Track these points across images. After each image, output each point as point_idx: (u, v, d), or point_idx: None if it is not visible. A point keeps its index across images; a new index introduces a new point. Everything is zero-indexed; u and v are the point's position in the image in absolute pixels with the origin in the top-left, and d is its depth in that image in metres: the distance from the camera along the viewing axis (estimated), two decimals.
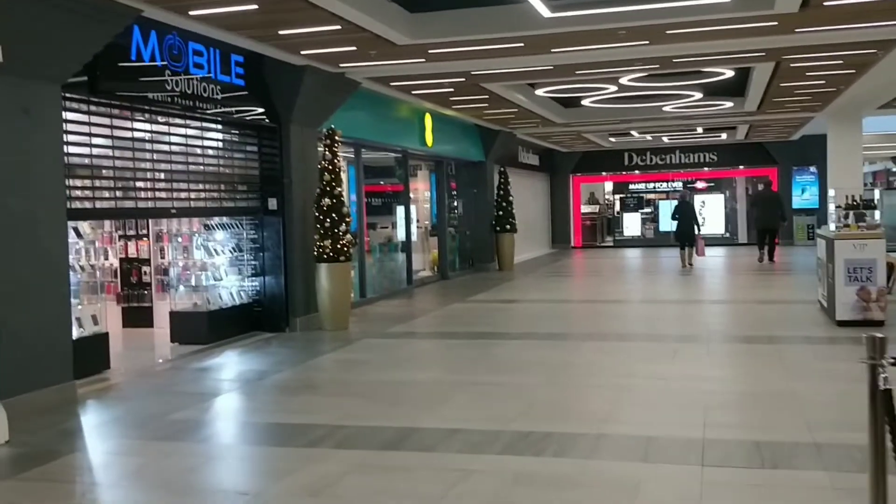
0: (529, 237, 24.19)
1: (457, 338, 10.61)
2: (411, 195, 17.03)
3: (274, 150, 11.24)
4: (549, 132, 21.47)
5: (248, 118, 10.83)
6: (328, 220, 11.12)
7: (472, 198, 20.47)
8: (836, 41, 10.28)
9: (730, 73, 13.31)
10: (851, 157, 18.65)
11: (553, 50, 10.28)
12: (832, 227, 12.30)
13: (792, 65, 11.99)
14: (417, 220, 17.84)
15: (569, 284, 18.37)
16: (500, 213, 20.47)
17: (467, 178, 20.39)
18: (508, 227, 20.48)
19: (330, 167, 11.23)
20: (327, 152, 11.26)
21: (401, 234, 16.61)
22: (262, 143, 11.28)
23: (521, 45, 9.86)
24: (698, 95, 15.71)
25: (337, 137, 11.37)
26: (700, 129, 22.92)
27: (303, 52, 10.17)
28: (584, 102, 16.54)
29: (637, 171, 29.54)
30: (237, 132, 10.99)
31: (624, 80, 13.65)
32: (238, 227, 11.29)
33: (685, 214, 19.93)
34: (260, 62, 10.63)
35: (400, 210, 16.63)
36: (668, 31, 9.41)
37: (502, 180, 20.60)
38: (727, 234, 29.09)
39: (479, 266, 20.46)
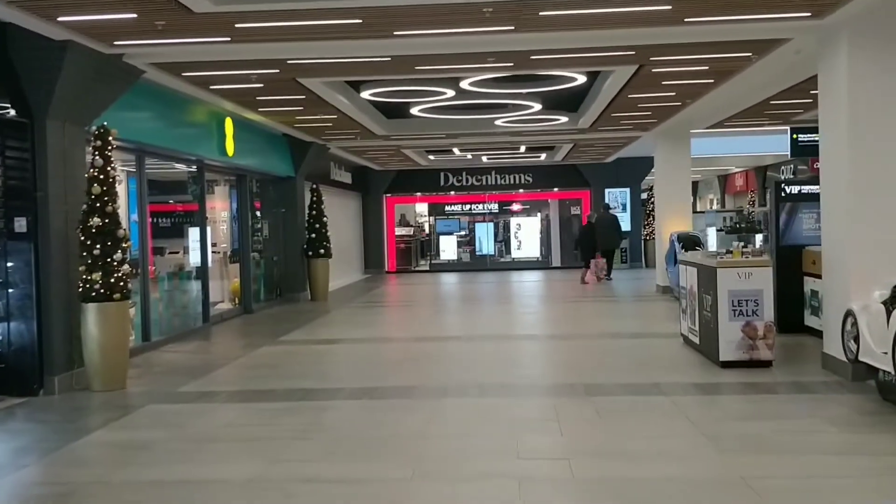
0: (342, 262, 21.96)
1: (274, 399, 8.22)
2: (207, 215, 14.37)
3: (23, 153, 8.42)
4: (367, 146, 19.39)
5: None
6: (98, 245, 8.45)
7: (280, 218, 18.01)
8: (718, 38, 8.93)
9: (580, 80, 11.80)
10: (680, 177, 17.95)
11: (397, 32, 8.19)
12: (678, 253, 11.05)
13: (654, 69, 10.62)
14: (214, 244, 15.18)
15: (395, 317, 16.30)
16: (313, 235, 18.11)
17: (274, 196, 17.93)
18: (322, 251, 18.16)
19: (101, 177, 8.55)
20: (98, 157, 8.59)
21: (194, 261, 13.91)
22: (5, 143, 8.44)
23: (359, 21, 7.70)
24: (537, 107, 14.20)
25: (111, 138, 8.72)
26: (523, 148, 21.68)
27: (61, 20, 7.50)
28: (414, 111, 14.59)
29: (452, 192, 28.11)
30: None
31: (465, 84, 11.82)
32: None
33: (587, 236, 21.09)
34: (2, 33, 7.86)
35: (193, 232, 13.92)
36: (542, 13, 7.59)
37: (315, 198, 18.27)
38: (541, 258, 28.21)
39: (288, 296, 18.00)
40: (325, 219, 18.33)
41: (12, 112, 8.21)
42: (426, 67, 10.13)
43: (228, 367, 10.13)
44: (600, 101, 13.06)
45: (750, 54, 9.77)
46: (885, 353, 6.86)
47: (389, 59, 9.51)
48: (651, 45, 9.14)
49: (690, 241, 16.27)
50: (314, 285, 18.26)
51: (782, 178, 30.62)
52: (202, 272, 13.92)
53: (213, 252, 14.85)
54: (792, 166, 29.24)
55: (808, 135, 17.61)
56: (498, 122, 15.89)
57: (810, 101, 13.94)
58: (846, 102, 8.08)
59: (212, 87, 11.24)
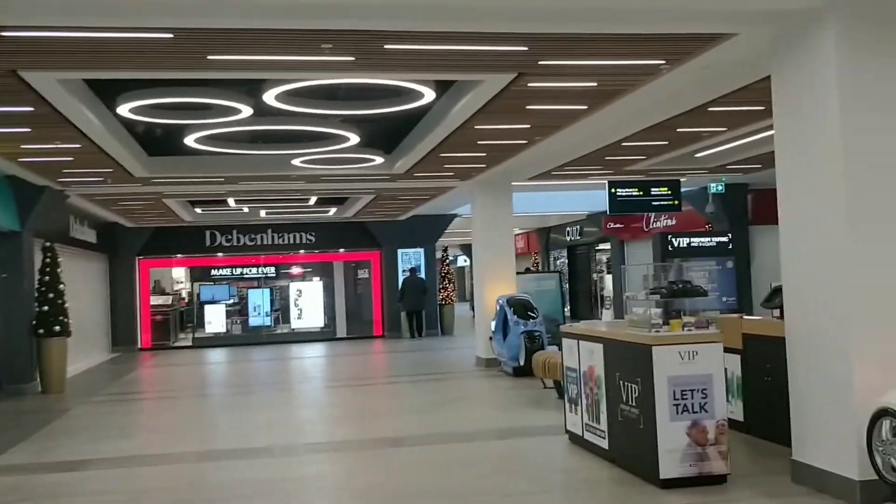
0: (84, 339, 17.48)
1: None
2: None
3: None
4: (120, 193, 15.37)
5: None
6: None
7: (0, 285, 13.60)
8: (642, 28, 6.52)
9: (426, 98, 8.95)
10: (502, 234, 15.66)
11: None
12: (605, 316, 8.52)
13: (532, 83, 8.04)
14: None
15: (160, 416, 12.35)
16: (46, 307, 13.82)
17: None
18: (58, 328, 13.87)
19: None
20: None
21: None
22: None
23: None
24: (354, 140, 11.20)
25: None
26: (313, 200, 18.54)
27: None
28: (189, 140, 11.01)
29: (220, 254, 24.24)
30: None
31: (269, 96, 8.56)
32: None
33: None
34: None
35: None
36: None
37: (49, 261, 14.04)
38: (325, 328, 24.85)
39: (9, 388, 13.51)
40: (61, 286, 14.12)
41: None
42: (225, 58, 6.84)
43: None
44: (438, 132, 10.32)
45: (664, 62, 7.45)
46: None
47: (171, 36, 6.15)
48: (554, 35, 6.53)
49: (522, 307, 13.91)
50: (46, 373, 13.89)
51: (569, 239, 29.78)
52: None
53: None
54: (578, 227, 28.43)
55: (626, 189, 16.14)
56: (296, 162, 12.71)
57: (664, 143, 12.10)
58: (836, 110, 5.86)
59: None
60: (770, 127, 10.42)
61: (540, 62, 7.32)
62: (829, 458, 6.01)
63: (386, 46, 6.65)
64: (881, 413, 5.35)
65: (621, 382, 7.00)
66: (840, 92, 5.84)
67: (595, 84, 8.23)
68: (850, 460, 5.76)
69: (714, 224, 18.04)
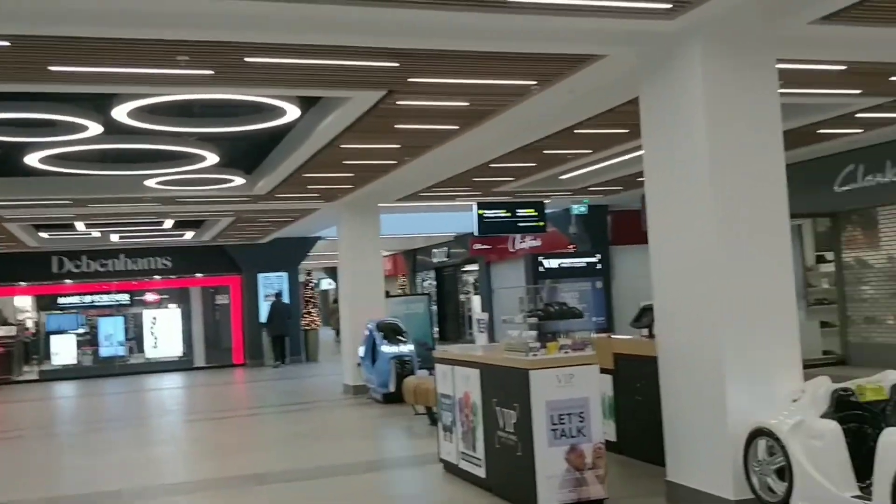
0: None
1: None
2: None
3: None
4: None
5: None
6: None
7: None
8: (514, 47, 6.41)
9: (291, 115, 8.56)
10: (370, 257, 15.34)
11: None
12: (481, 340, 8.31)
13: (401, 101, 7.82)
14: None
15: (7, 460, 11.23)
16: None
17: None
18: None
19: None
20: None
21: None
22: None
23: None
24: (212, 160, 10.63)
25: None
26: (170, 223, 17.66)
27: None
28: (31, 160, 10.13)
29: (69, 281, 22.83)
30: None
31: (120, 112, 7.96)
32: None
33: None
34: None
35: None
36: None
37: None
38: (183, 357, 23.70)
39: None
40: None
41: None
42: (70, 69, 6.28)
43: None
44: (303, 151, 9.93)
45: (535, 82, 7.38)
46: (863, 497, 4.51)
47: (8, 43, 5.55)
48: (425, 52, 6.33)
49: (391, 331, 13.62)
50: None
51: (435, 260, 29.80)
52: None
53: None
54: (445, 248, 28.51)
55: (494, 211, 16.17)
56: (149, 183, 12.00)
57: (532, 164, 12.17)
58: (703, 127, 5.91)
59: None
60: (632, 150, 10.82)
61: (410, 79, 7.11)
62: (704, 478, 6.00)
63: (247, 59, 6.28)
64: (757, 433, 5.37)
65: (498, 408, 6.81)
66: (707, 109, 5.90)
67: (466, 103, 8.10)
68: (725, 480, 5.77)
69: (577, 245, 18.38)
